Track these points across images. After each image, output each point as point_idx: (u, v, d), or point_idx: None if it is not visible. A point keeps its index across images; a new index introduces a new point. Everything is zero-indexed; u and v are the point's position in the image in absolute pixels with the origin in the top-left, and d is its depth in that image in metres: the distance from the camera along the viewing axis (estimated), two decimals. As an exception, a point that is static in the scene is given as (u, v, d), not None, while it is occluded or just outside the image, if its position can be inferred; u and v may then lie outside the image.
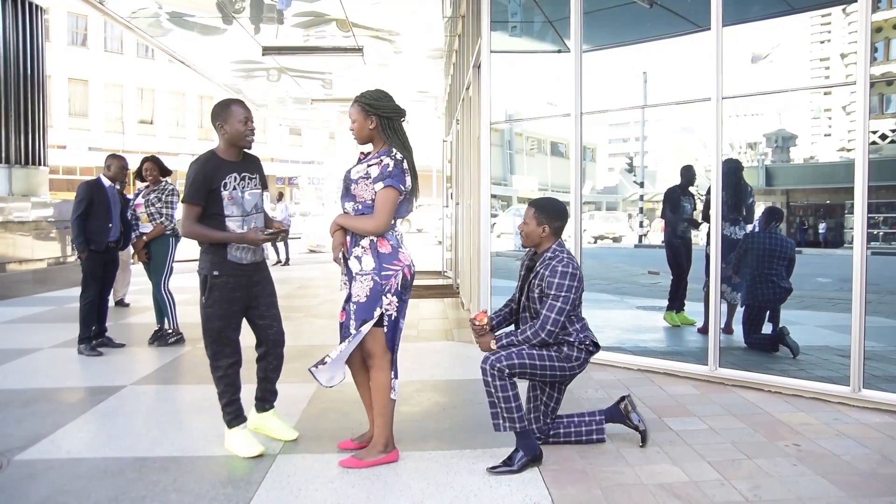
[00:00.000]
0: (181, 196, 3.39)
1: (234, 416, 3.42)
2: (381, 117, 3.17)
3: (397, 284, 3.14)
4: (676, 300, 5.82)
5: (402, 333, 3.29)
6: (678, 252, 5.89)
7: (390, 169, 3.09)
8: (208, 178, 3.24)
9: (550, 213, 3.34)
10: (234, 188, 3.30)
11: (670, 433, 3.63)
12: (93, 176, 5.89)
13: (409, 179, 3.15)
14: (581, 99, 5.21)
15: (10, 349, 5.92)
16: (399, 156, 3.13)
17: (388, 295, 3.12)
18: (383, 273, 3.12)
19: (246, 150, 3.43)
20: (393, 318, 3.16)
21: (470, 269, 7.11)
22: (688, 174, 5.94)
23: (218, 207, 3.27)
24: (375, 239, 3.14)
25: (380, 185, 3.08)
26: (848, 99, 4.32)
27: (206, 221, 3.28)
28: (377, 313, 3.11)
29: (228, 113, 3.29)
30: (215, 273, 3.28)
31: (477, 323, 3.34)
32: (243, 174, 3.35)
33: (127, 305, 8.33)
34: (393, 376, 3.24)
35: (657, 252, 6.02)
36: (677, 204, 5.90)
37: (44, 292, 9.80)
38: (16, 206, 9.84)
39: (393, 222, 3.18)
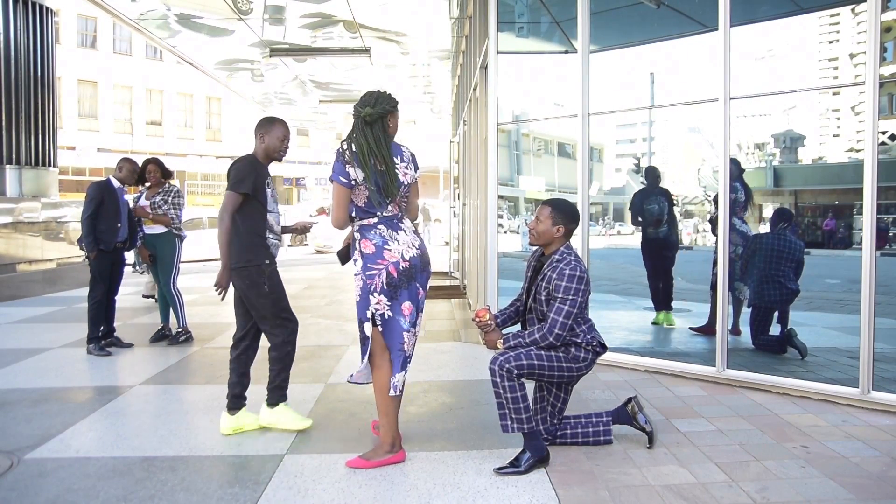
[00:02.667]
0: (230, 185, 3.56)
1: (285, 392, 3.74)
2: (355, 118, 3.24)
3: (382, 283, 3.14)
4: (658, 301, 5.86)
5: (415, 335, 3.27)
6: (652, 255, 5.90)
7: (332, 163, 3.16)
8: (260, 176, 3.62)
9: (567, 214, 3.34)
10: (271, 188, 3.75)
11: (677, 434, 3.62)
12: (102, 177, 5.94)
13: (351, 170, 3.09)
14: (588, 100, 5.21)
15: (19, 349, 5.97)
16: (341, 147, 3.16)
17: (375, 294, 3.14)
18: (367, 273, 3.14)
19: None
20: (386, 316, 3.17)
21: (477, 269, 7.11)
22: (652, 175, 5.98)
23: (263, 198, 3.64)
24: (360, 239, 3.18)
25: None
26: (857, 99, 4.29)
27: (249, 210, 3.58)
28: (369, 313, 3.15)
29: (272, 127, 3.72)
30: (267, 262, 3.61)
31: (479, 319, 3.35)
32: (268, 179, 3.74)
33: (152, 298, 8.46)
34: (398, 370, 3.19)
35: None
36: (642, 207, 5.91)
37: (53, 292, 9.88)
38: (26, 206, 9.92)
39: (375, 220, 3.17)
